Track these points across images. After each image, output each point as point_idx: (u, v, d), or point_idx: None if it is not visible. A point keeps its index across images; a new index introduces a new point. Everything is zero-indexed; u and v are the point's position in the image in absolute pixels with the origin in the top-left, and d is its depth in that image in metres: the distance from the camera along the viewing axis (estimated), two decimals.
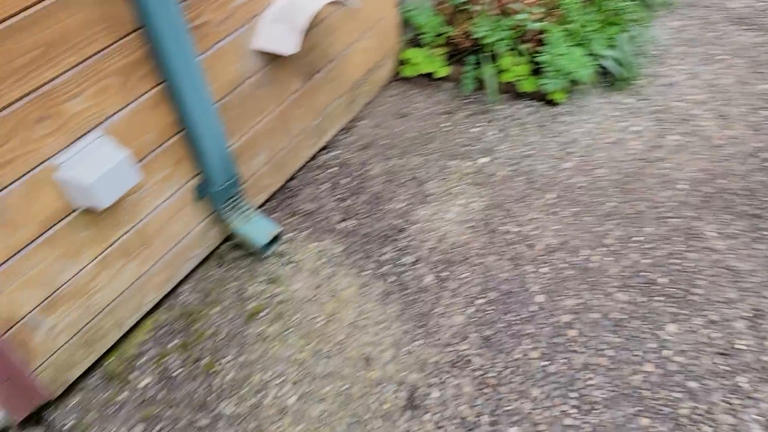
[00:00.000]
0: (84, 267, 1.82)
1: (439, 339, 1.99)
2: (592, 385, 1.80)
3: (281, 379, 1.94)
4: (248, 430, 1.82)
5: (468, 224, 2.37)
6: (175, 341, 2.09)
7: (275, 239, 2.31)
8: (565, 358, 1.88)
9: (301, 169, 2.69)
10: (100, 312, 1.94)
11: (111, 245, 1.88)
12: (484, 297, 2.10)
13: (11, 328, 1.68)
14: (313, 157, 2.75)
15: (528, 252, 2.23)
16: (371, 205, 2.50)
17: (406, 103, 3.04)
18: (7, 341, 1.68)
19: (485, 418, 1.76)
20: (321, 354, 1.99)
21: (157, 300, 2.17)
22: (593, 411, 1.74)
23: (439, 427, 1.76)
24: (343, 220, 2.45)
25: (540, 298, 2.07)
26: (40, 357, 1.80)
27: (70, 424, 1.88)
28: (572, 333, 1.95)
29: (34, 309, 1.72)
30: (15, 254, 1.61)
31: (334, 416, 1.82)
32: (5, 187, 1.52)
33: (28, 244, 1.63)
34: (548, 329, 1.97)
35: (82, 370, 1.98)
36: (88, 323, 1.91)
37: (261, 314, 2.13)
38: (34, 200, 1.60)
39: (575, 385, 1.81)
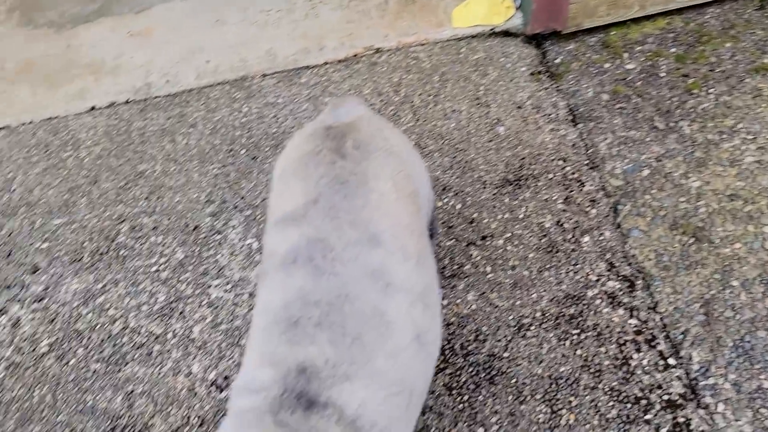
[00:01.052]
0: None
1: None
2: None
3: (751, 137, 1.86)
4: (693, 156, 1.86)
5: None
6: (675, 50, 2.10)
7: None
8: None
9: None
10: None
11: None
12: None
13: None
14: None
15: None
16: None
17: None
18: None
19: None
20: None
21: (683, 5, 2.15)
22: None
23: None
24: None
25: None
26: None
27: (558, 60, 2.16)
28: None
29: None
30: None
31: None
32: None
33: None
34: None
35: (592, 26, 2.16)
36: None
37: None
38: None
39: None
